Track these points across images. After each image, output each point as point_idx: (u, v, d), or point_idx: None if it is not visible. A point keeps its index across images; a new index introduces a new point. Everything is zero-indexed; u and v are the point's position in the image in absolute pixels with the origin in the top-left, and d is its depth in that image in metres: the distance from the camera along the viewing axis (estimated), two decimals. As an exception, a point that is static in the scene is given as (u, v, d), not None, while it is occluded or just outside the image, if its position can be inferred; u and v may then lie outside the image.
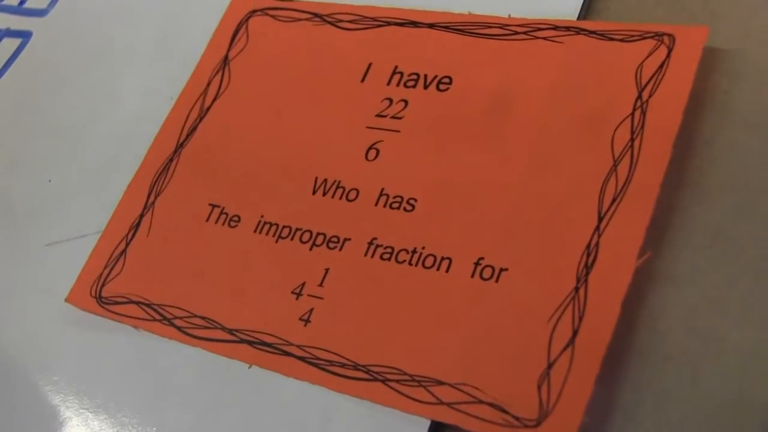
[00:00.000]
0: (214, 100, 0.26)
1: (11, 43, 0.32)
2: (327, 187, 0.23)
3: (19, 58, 0.31)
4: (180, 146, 0.26)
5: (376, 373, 0.20)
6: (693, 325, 0.18)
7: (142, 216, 0.25)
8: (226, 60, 0.27)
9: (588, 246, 0.19)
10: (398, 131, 0.23)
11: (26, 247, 0.26)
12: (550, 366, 0.18)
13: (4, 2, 0.33)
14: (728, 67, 0.21)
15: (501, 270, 0.20)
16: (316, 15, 0.26)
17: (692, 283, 0.19)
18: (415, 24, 0.25)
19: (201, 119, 0.26)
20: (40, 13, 0.32)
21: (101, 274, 0.25)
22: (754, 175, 0.19)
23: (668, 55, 0.21)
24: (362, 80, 0.25)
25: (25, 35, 0.32)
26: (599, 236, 0.19)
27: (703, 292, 0.19)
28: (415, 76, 0.24)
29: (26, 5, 0.32)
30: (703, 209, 0.19)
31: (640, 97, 0.21)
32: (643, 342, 0.18)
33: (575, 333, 0.18)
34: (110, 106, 0.28)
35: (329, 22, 0.26)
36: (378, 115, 0.24)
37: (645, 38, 0.21)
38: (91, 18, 0.31)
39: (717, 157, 0.20)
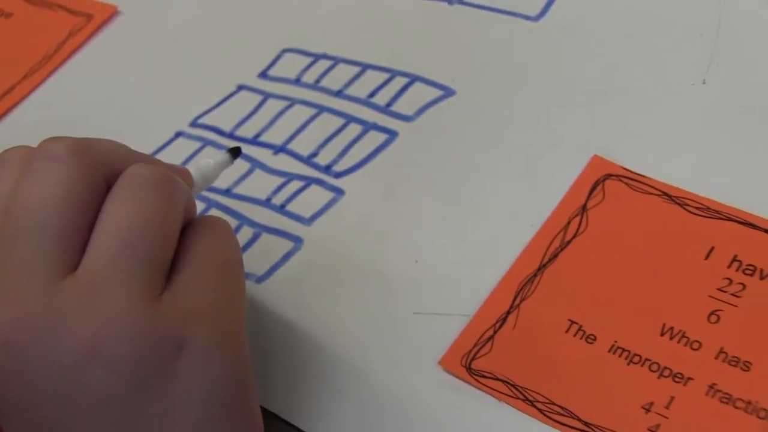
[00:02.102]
0: (574, 236, 0.33)
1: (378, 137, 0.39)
2: (673, 334, 0.30)
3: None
4: (543, 266, 0.33)
5: (721, 487, 0.27)
6: None
7: (509, 313, 0.32)
8: (584, 207, 0.34)
9: None
10: (736, 306, 0.30)
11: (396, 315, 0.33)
12: None
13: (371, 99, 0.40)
14: None
15: (826, 437, 0.27)
16: (666, 194, 0.34)
17: None
18: (753, 226, 0.32)
19: (563, 249, 0.33)
20: (406, 118, 0.39)
21: (471, 350, 0.31)
22: None
23: None
24: (705, 258, 0.32)
25: (391, 133, 0.39)
26: None
27: None
28: (752, 267, 0.31)
29: (393, 107, 0.40)
30: None
31: None
32: None
33: None
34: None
35: (677, 203, 0.33)
36: (719, 290, 0.31)
37: None
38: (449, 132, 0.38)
39: None
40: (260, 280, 0.36)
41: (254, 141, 0.40)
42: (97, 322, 0.25)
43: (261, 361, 0.32)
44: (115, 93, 0.45)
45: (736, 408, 0.28)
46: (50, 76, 0.47)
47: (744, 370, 0.29)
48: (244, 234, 0.37)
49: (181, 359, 0.25)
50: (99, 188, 0.27)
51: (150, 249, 0.26)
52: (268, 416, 0.32)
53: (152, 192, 0.27)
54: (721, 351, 0.30)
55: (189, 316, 0.26)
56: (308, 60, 0.43)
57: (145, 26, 0.48)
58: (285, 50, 0.44)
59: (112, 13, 0.49)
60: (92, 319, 0.25)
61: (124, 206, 0.26)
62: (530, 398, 0.30)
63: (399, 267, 0.34)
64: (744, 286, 0.31)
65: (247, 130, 0.41)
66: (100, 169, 0.27)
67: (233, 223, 0.37)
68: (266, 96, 0.42)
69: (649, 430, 0.28)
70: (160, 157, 0.40)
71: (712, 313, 0.30)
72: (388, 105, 0.40)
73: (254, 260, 0.36)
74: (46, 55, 0.48)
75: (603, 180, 0.35)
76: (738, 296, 0.31)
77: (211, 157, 0.33)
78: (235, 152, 0.34)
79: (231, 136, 0.41)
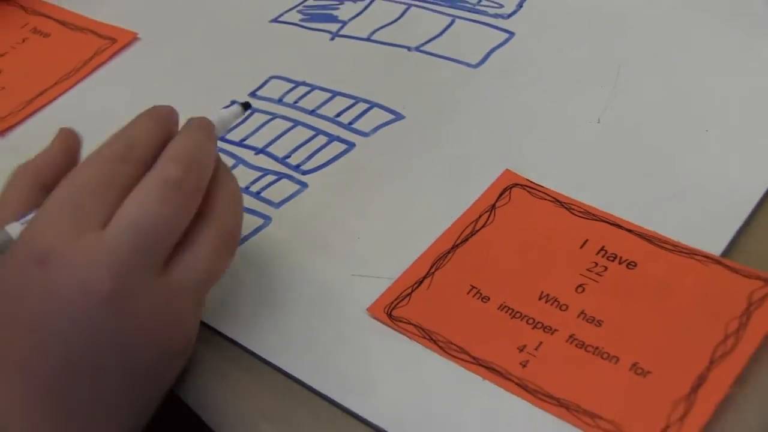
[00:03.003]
0: (483, 227, 0.43)
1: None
2: (549, 299, 0.39)
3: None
4: (455, 246, 0.42)
5: (565, 401, 0.35)
6: (748, 431, 0.34)
7: (425, 278, 0.41)
8: (494, 206, 0.43)
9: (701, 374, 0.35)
10: (598, 282, 0.39)
11: (339, 276, 0.42)
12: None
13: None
14: (798, 310, 0.37)
15: (648, 372, 0.36)
16: (556, 200, 0.43)
17: (752, 411, 0.34)
18: (618, 226, 0.41)
19: (472, 235, 0.42)
20: (363, 134, 0.49)
21: (392, 302, 0.40)
22: (799, 369, 0.35)
23: (757, 303, 0.37)
24: (581, 247, 0.41)
25: (350, 144, 0.48)
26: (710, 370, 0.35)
27: (757, 417, 0.34)
28: (614, 255, 0.40)
29: (353, 125, 0.49)
30: (767, 377, 0.35)
31: (748, 310, 0.37)
32: None
33: (689, 409, 0.34)
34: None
35: (564, 207, 0.43)
36: (587, 269, 0.40)
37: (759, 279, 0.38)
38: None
39: (781, 353, 0.36)
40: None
41: (240, 143, 0.50)
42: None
43: (235, 302, 0.41)
44: (129, 99, 0.54)
45: (587, 352, 0.37)
46: (77, 84, 0.57)
47: (597, 326, 0.38)
48: (225, 212, 0.46)
49: None
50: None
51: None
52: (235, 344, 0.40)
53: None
54: (582, 312, 0.38)
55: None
56: (290, 86, 0.53)
57: (159, 51, 0.58)
58: (272, 77, 0.54)
59: (133, 39, 0.59)
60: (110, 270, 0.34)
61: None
62: (434, 338, 0.39)
63: (344, 242, 0.44)
64: (606, 268, 0.40)
65: (235, 135, 0.50)
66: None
67: (217, 204, 0.46)
68: (253, 110, 0.52)
69: (520, 363, 0.37)
70: (162, 151, 0.49)
71: (579, 285, 0.39)
72: (350, 123, 0.49)
73: (231, 231, 0.45)
74: (74, 68, 0.57)
75: (510, 187, 0.44)
76: (600, 275, 0.40)
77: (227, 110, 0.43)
78: (246, 105, 0.43)
79: (222, 138, 0.50)
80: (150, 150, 0.37)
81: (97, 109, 0.54)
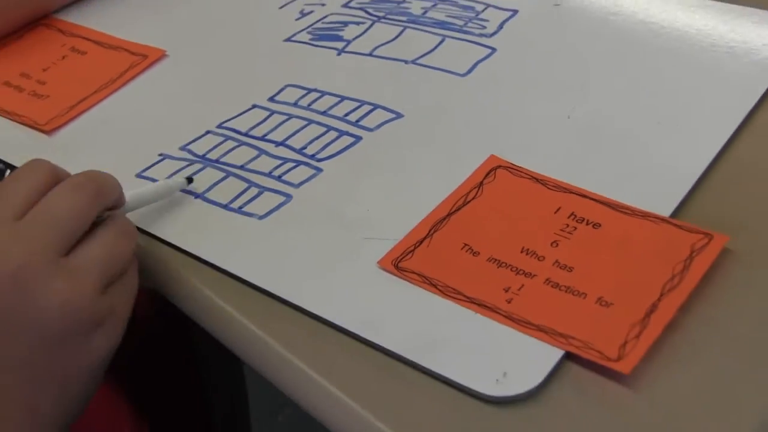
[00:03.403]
0: (473, 199, 0.51)
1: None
2: (529, 252, 0.47)
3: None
4: (450, 214, 0.50)
5: (542, 327, 0.43)
6: (691, 346, 0.42)
7: (425, 238, 0.49)
8: (481, 184, 0.52)
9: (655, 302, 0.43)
10: (569, 239, 0.48)
11: (352, 239, 0.50)
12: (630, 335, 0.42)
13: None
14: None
15: (610, 303, 0.44)
16: (534, 178, 0.51)
17: (694, 331, 0.42)
18: (585, 196, 0.50)
19: (464, 205, 0.51)
20: (368, 129, 0.57)
21: (398, 257, 0.48)
22: (732, 300, 0.44)
23: (698, 252, 0.46)
24: (554, 213, 0.49)
25: (357, 137, 0.57)
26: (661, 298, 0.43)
27: (698, 336, 0.42)
28: (582, 218, 0.49)
29: (360, 122, 0.58)
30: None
31: (690, 256, 0.45)
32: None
33: (645, 325, 0.42)
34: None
35: (540, 183, 0.51)
36: (560, 230, 0.48)
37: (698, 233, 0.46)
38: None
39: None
40: (261, 218, 0.52)
41: (262, 138, 0.58)
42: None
43: (267, 262, 0.49)
44: (160, 105, 0.63)
45: (560, 290, 0.45)
46: (113, 93, 0.65)
47: (568, 272, 0.46)
48: (252, 192, 0.54)
49: None
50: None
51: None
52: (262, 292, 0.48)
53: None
54: (556, 261, 0.47)
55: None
56: (303, 92, 0.61)
57: (185, 65, 0.66)
58: (287, 85, 0.62)
59: (162, 55, 0.67)
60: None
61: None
62: (434, 283, 0.47)
63: (356, 214, 0.52)
64: (576, 228, 0.48)
65: (257, 131, 0.59)
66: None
67: (244, 186, 0.54)
68: (272, 112, 0.60)
69: (506, 300, 0.45)
70: (191, 146, 0.58)
71: (554, 242, 0.48)
72: (357, 121, 0.58)
73: (259, 206, 0.53)
74: (110, 79, 0.66)
75: (495, 168, 0.53)
76: (571, 234, 0.48)
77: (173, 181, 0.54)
78: (189, 180, 0.54)
79: (246, 134, 0.58)
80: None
81: (132, 114, 0.62)
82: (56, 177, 0.46)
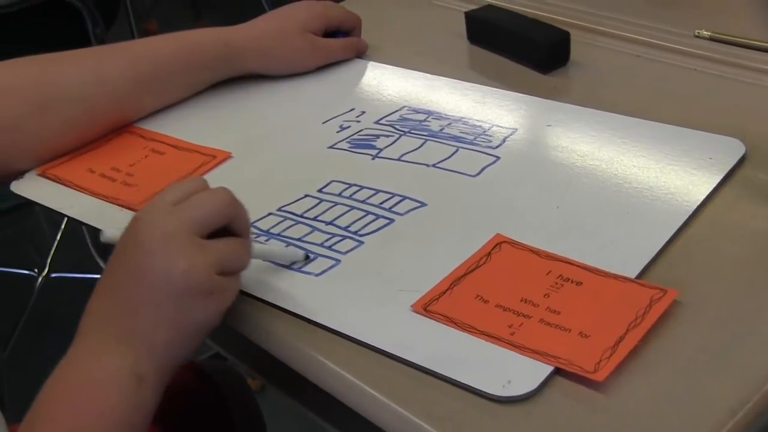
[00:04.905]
0: (483, 264, 0.66)
1: (383, 221, 0.72)
2: (527, 300, 0.62)
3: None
4: (465, 275, 0.65)
5: (536, 350, 0.58)
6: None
7: (446, 291, 0.64)
8: (489, 254, 0.67)
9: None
10: (557, 292, 0.63)
11: (390, 291, 0.65)
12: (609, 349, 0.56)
13: (381, 206, 0.74)
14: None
15: (588, 335, 0.58)
16: (530, 251, 0.67)
17: (651, 356, 0.57)
18: (569, 263, 0.65)
19: (476, 269, 0.65)
20: (397, 214, 0.73)
21: (427, 303, 0.63)
22: (680, 335, 0.58)
23: (655, 302, 0.60)
24: (546, 274, 0.64)
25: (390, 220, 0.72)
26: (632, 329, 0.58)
27: (654, 359, 0.56)
28: (568, 278, 0.64)
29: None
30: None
31: (650, 304, 0.60)
32: (631, 365, 0.56)
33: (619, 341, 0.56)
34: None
35: (535, 254, 0.66)
36: (550, 286, 0.63)
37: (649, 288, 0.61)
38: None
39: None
40: (317, 275, 0.67)
41: (314, 219, 0.73)
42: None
43: (328, 305, 0.64)
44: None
45: (550, 327, 0.59)
46: (190, 184, 0.80)
47: (557, 314, 0.60)
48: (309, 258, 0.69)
49: None
50: None
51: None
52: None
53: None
54: (548, 307, 0.61)
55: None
56: (345, 186, 0.77)
57: (248, 164, 0.82)
58: (332, 180, 0.78)
59: (228, 156, 0.83)
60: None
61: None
62: (454, 321, 0.61)
63: (391, 274, 0.66)
64: (563, 285, 0.63)
65: (310, 214, 0.74)
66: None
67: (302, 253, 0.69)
68: (321, 200, 0.75)
69: (509, 333, 0.59)
70: (257, 224, 0.73)
71: (546, 294, 0.62)
72: (390, 208, 0.73)
73: (314, 268, 0.68)
74: (187, 173, 0.81)
75: (500, 243, 0.68)
76: (559, 289, 0.63)
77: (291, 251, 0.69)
78: (306, 257, 0.68)
79: (301, 216, 0.74)
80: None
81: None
82: (207, 187, 0.64)
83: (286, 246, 0.70)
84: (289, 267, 0.68)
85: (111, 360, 0.58)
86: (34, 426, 0.57)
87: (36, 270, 1.96)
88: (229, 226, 0.63)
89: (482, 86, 0.89)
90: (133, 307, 0.59)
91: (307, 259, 0.68)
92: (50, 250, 1.96)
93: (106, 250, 0.62)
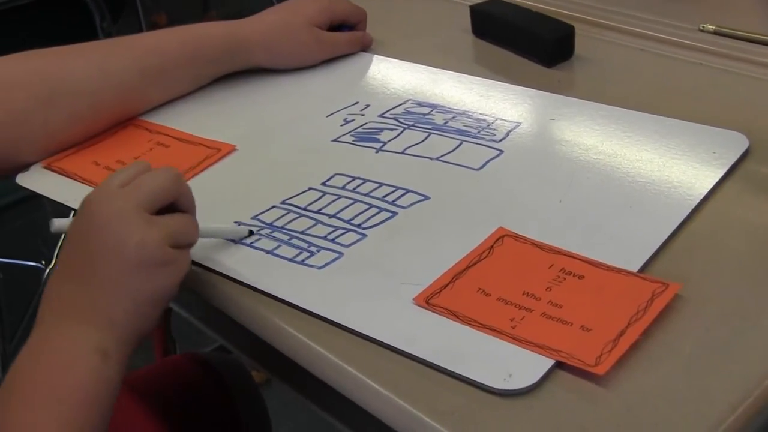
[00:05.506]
0: (486, 258, 0.66)
1: (387, 215, 0.72)
2: (528, 294, 0.62)
3: (389, 221, 0.71)
4: (468, 268, 0.65)
5: (538, 344, 0.58)
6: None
7: (448, 284, 0.64)
8: (492, 247, 0.67)
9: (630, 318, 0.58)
10: (560, 286, 0.63)
11: (392, 283, 0.65)
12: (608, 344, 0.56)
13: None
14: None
15: (590, 329, 0.58)
16: (533, 244, 0.67)
17: (653, 349, 0.57)
18: (571, 256, 0.65)
19: (478, 262, 0.65)
20: (400, 207, 0.73)
21: (429, 296, 0.63)
22: (681, 329, 0.58)
23: (657, 296, 0.60)
24: (548, 268, 0.64)
25: (392, 213, 0.72)
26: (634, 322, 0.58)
27: (655, 352, 0.57)
28: (570, 272, 0.64)
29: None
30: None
31: (651, 298, 0.60)
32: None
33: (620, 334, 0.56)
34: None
35: (538, 247, 0.66)
36: (553, 279, 0.63)
37: (655, 282, 0.61)
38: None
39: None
40: (320, 268, 0.67)
41: (318, 212, 0.73)
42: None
43: (330, 298, 0.64)
44: (231, 187, 0.78)
45: (552, 320, 0.60)
46: (192, 178, 0.80)
47: (559, 308, 0.61)
48: (311, 250, 0.69)
49: None
50: None
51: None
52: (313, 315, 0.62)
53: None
54: (550, 301, 0.61)
55: None
56: (349, 179, 0.77)
57: (253, 157, 0.82)
58: (336, 173, 0.78)
59: (232, 149, 0.83)
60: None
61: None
62: (456, 314, 0.61)
63: (394, 266, 0.66)
64: (565, 278, 0.63)
65: (313, 207, 0.74)
66: None
67: (305, 246, 0.69)
68: (324, 193, 0.75)
69: (511, 327, 0.60)
70: (261, 216, 0.73)
71: (548, 287, 0.62)
72: (393, 201, 0.73)
73: (317, 261, 0.68)
74: (191, 166, 0.81)
75: (503, 237, 0.68)
76: (561, 282, 0.63)
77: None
78: (250, 233, 0.70)
79: (304, 209, 0.74)
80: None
81: (209, 193, 0.78)
82: (151, 168, 0.66)
83: (238, 225, 0.73)
84: (237, 242, 0.71)
85: (74, 340, 0.60)
86: (3, 408, 0.58)
87: (43, 262, 1.96)
88: (175, 204, 0.65)
89: (486, 80, 0.89)
90: (90, 286, 0.60)
91: (251, 234, 0.71)
92: (57, 242, 1.96)
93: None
